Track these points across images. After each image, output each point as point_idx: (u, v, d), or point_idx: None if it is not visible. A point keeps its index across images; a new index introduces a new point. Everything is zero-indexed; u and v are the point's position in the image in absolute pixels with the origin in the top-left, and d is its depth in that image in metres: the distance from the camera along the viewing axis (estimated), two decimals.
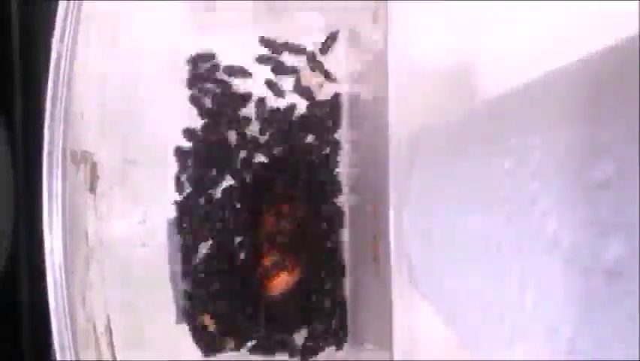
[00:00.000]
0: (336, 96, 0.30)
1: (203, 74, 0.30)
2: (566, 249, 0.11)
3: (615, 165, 0.10)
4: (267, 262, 0.29)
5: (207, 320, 0.29)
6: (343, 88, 0.30)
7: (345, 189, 0.30)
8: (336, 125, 0.30)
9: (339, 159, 0.30)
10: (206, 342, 0.29)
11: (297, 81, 0.30)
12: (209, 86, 0.30)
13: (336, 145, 0.30)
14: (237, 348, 0.29)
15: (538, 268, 0.12)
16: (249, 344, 0.30)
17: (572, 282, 0.11)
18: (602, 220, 0.10)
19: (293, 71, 0.30)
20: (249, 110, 0.30)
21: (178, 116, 0.30)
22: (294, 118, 0.30)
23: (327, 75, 0.30)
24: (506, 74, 0.17)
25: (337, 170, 0.30)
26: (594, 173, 0.10)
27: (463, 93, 0.27)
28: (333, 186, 0.30)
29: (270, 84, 0.30)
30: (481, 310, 0.15)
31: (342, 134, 0.30)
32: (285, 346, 0.30)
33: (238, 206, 0.30)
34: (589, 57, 0.12)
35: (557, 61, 0.14)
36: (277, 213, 0.29)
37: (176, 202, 0.30)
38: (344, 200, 0.30)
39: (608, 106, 0.10)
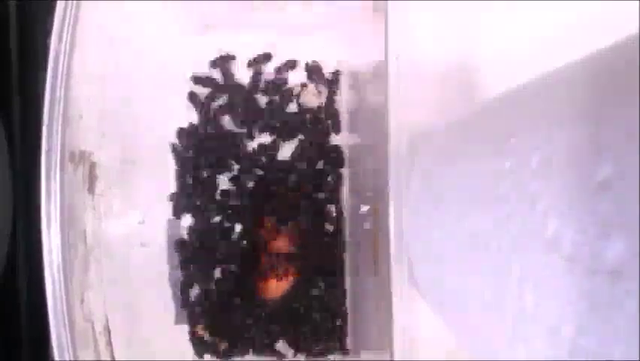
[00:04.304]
0: (334, 99, 0.30)
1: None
2: (566, 249, 0.11)
3: (615, 165, 0.10)
4: (266, 265, 0.29)
5: (201, 330, 0.29)
6: (343, 88, 0.30)
7: (345, 189, 0.30)
8: (336, 126, 0.30)
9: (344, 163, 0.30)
10: (200, 345, 0.29)
11: (297, 97, 0.30)
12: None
13: (336, 146, 0.30)
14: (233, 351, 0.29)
15: (538, 268, 0.12)
16: (248, 345, 0.30)
17: (572, 282, 0.11)
18: (602, 220, 0.10)
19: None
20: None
21: (177, 116, 0.30)
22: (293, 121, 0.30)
23: (326, 84, 0.30)
24: (506, 74, 0.17)
25: (337, 170, 0.30)
26: (595, 173, 0.10)
27: (463, 93, 0.27)
28: (333, 187, 0.30)
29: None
30: (481, 310, 0.15)
31: (342, 136, 0.30)
32: (285, 347, 0.29)
33: (238, 211, 0.30)
34: (589, 57, 0.12)
35: (557, 61, 0.14)
36: (276, 216, 0.29)
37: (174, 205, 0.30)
38: (344, 200, 0.30)
39: (608, 106, 0.10)
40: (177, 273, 0.30)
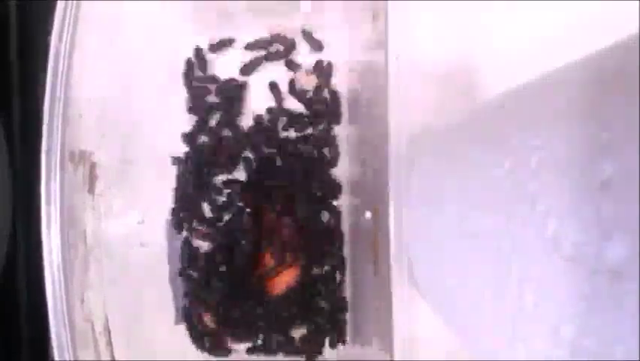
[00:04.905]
0: (335, 96, 0.30)
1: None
2: (566, 249, 0.11)
3: (616, 165, 0.10)
4: (267, 262, 0.29)
5: (207, 320, 0.29)
6: (343, 88, 0.30)
7: (345, 189, 0.30)
8: (336, 125, 0.30)
9: (339, 159, 0.30)
10: (205, 342, 0.29)
11: (291, 84, 0.30)
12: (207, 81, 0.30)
13: (335, 145, 0.30)
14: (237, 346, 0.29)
15: (538, 268, 0.12)
16: (249, 344, 0.30)
17: (572, 282, 0.11)
18: (603, 220, 0.10)
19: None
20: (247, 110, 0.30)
21: (177, 116, 0.30)
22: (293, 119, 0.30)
23: (323, 75, 0.30)
24: (506, 74, 0.17)
25: (337, 170, 0.30)
26: (595, 173, 0.10)
27: (463, 93, 0.27)
28: (333, 186, 0.30)
29: (272, 86, 0.30)
30: (481, 311, 0.15)
31: (342, 135, 0.30)
32: (285, 346, 0.29)
33: (238, 205, 0.30)
34: (589, 57, 0.12)
35: (557, 61, 0.14)
36: (277, 213, 0.29)
37: (175, 202, 0.30)
38: (344, 200, 0.30)
39: (608, 106, 0.10)
40: (177, 272, 0.30)
